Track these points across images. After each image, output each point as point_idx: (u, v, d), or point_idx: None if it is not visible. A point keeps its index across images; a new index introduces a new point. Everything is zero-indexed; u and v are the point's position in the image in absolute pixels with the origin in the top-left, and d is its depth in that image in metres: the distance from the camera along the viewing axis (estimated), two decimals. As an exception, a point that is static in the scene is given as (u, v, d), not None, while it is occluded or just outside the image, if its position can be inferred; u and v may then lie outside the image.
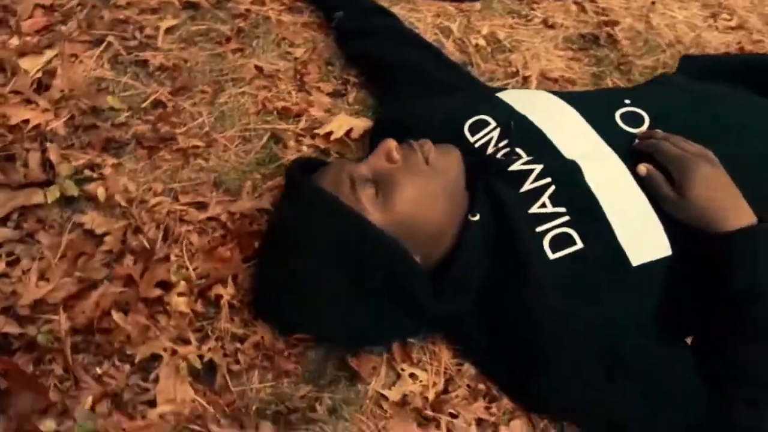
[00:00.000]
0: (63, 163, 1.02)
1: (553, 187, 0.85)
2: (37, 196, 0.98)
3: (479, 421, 0.87)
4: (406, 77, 1.17)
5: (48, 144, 1.04)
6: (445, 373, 0.91)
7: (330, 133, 1.15)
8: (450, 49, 1.37)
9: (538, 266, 0.81)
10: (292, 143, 1.15)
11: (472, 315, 0.87)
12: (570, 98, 0.97)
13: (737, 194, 0.82)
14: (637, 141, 0.90)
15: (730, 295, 0.78)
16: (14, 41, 1.22)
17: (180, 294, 0.91)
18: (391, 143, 0.86)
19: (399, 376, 0.91)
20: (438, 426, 0.87)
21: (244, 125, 1.17)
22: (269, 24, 1.36)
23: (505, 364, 0.86)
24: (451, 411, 0.88)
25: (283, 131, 1.17)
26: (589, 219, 0.83)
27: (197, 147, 1.11)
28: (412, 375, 0.90)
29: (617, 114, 0.94)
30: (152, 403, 0.84)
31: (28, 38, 1.23)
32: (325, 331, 0.88)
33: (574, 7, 1.54)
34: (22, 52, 1.19)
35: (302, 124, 1.18)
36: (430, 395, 0.89)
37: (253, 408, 0.86)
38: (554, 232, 0.82)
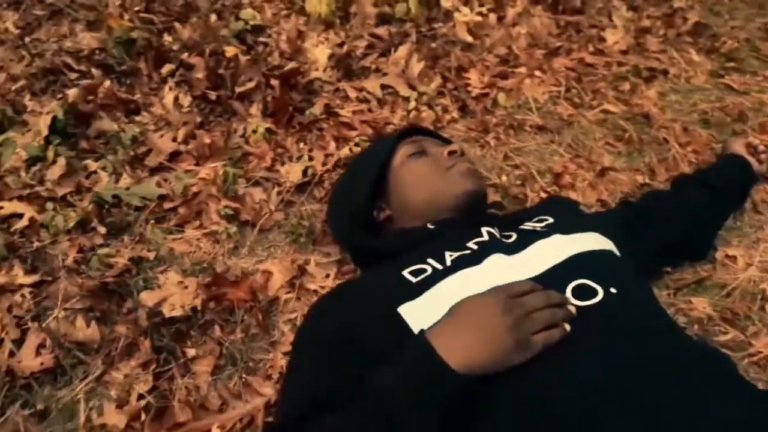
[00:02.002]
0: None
1: (468, 251, 0.91)
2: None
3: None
4: (633, 213, 1.18)
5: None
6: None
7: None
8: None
9: (398, 267, 0.92)
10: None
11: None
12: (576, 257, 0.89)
13: (483, 338, 0.71)
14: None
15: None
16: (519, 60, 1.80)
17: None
18: (457, 147, 1.10)
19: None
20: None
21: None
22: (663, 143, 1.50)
23: None
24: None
25: (530, 178, 1.42)
26: (436, 277, 0.87)
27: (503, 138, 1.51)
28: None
29: (577, 282, 0.82)
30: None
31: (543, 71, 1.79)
32: (330, 214, 1.22)
33: None
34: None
35: (545, 179, 1.40)
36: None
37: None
38: (430, 268, 0.90)
